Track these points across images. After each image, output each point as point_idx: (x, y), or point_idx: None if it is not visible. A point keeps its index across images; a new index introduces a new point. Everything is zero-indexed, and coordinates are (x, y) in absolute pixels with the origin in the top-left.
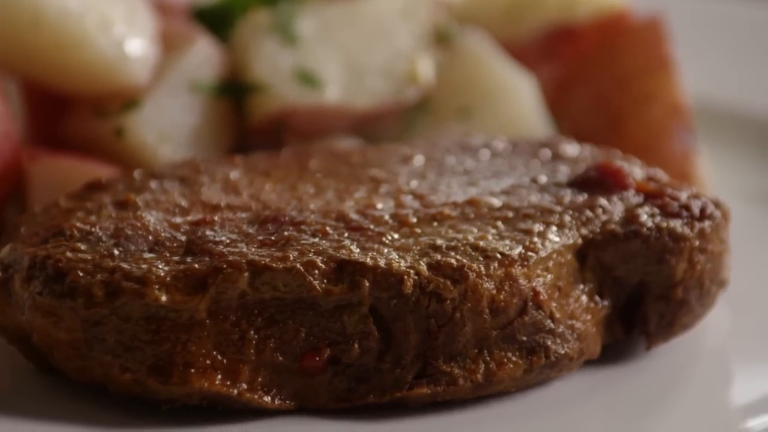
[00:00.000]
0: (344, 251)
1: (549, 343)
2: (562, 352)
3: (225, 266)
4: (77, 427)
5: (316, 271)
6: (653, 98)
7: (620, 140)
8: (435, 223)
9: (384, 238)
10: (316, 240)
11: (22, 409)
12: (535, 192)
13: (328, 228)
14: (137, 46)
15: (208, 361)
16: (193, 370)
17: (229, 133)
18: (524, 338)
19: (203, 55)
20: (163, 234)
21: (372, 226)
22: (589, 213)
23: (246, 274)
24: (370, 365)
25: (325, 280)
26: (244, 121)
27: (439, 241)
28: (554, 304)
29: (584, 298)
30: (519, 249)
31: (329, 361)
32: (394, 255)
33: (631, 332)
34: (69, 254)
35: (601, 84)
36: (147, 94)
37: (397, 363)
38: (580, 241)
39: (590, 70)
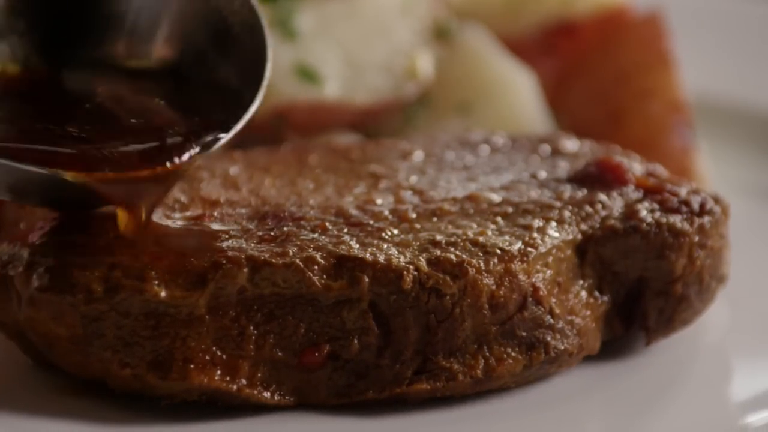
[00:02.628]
0: (344, 247)
1: (548, 338)
2: (562, 347)
3: (224, 262)
4: (76, 423)
5: (316, 267)
6: (653, 94)
7: (620, 136)
8: (434, 219)
9: (383, 234)
10: (316, 236)
11: (21, 404)
12: (534, 188)
13: (327, 224)
14: None
15: (207, 357)
16: (192, 366)
17: None
18: (524, 334)
19: None
20: None
21: (371, 222)
22: (588, 208)
23: (245, 270)
24: (369, 361)
25: (324, 276)
26: None
27: (439, 237)
28: (554, 300)
29: (584, 293)
30: (518, 245)
31: (329, 356)
32: (393, 251)
33: (631, 328)
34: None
35: (600, 79)
36: None
37: (397, 359)
38: (579, 236)
39: (590, 65)
